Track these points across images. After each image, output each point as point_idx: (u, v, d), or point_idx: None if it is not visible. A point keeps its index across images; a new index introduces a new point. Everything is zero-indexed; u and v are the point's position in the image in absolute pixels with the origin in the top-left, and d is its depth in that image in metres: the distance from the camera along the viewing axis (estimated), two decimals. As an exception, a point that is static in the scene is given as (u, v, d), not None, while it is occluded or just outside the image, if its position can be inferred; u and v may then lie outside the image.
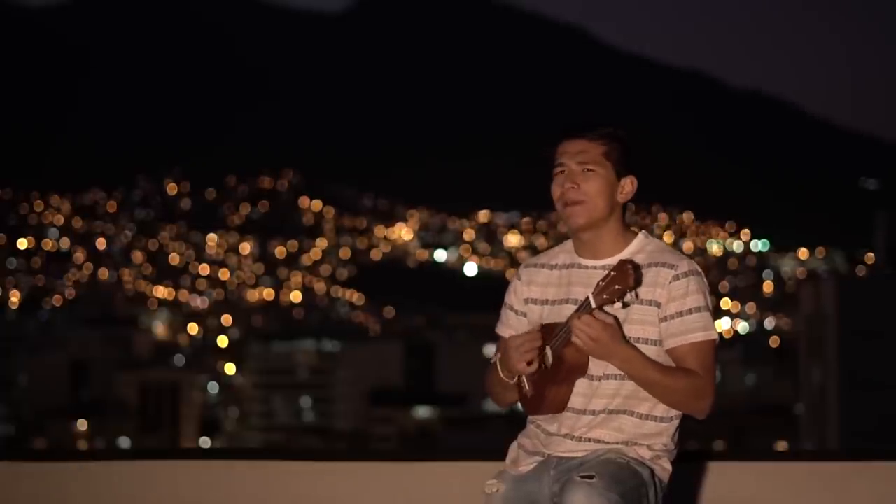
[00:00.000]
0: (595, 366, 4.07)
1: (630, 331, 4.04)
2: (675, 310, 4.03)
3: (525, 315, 4.22)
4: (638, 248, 4.12)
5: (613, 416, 4.07)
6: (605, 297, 3.94)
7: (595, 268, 4.12)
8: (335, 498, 5.43)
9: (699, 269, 4.09)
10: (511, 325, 4.25)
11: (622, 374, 4.06)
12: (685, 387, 4.00)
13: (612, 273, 3.93)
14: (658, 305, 4.04)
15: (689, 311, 4.03)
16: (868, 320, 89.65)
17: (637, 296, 4.00)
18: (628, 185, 4.10)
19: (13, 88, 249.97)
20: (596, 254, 4.13)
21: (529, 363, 4.05)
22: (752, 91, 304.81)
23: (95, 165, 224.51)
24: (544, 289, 4.19)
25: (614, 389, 4.07)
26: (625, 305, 3.99)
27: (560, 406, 4.11)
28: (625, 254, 4.11)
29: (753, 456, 5.48)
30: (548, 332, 4.10)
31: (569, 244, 4.20)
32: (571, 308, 4.09)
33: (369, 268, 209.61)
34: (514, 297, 4.25)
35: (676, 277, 4.04)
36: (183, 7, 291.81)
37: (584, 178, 4.07)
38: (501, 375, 4.15)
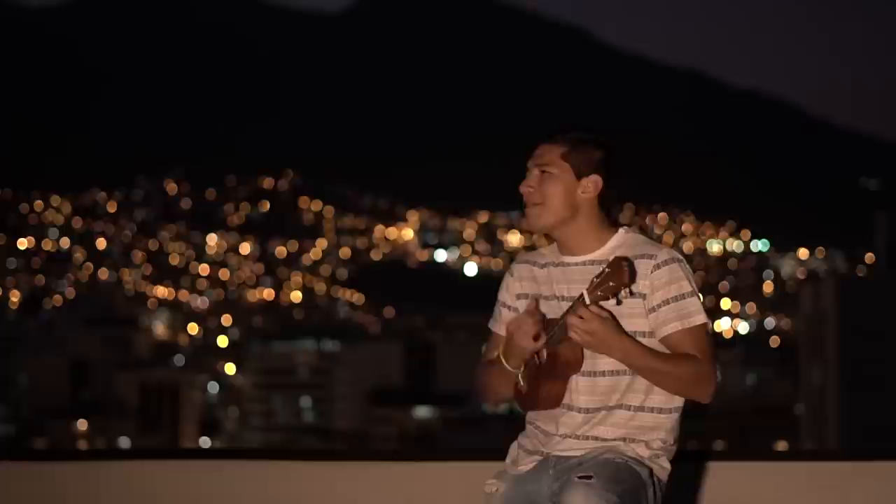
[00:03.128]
0: (590, 362, 4.10)
1: (622, 325, 4.07)
2: (662, 298, 4.07)
3: (517, 311, 4.26)
4: (618, 243, 4.17)
5: (611, 412, 4.10)
6: (599, 293, 3.96)
7: (576, 264, 4.18)
8: (335, 498, 5.44)
9: (680, 256, 4.13)
10: (505, 321, 4.28)
11: (616, 370, 4.09)
12: (688, 372, 4.03)
13: (607, 269, 3.96)
14: (643, 297, 4.08)
15: (676, 298, 4.07)
16: (868, 320, 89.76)
17: (631, 292, 4.02)
18: (590, 186, 4.15)
19: (13, 89, 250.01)
20: (574, 250, 4.19)
21: (536, 338, 4.08)
22: (752, 91, 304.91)
23: (95, 165, 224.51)
24: (534, 285, 4.24)
25: (609, 386, 4.09)
26: (619, 302, 4.01)
27: (554, 402, 4.13)
28: (604, 249, 4.16)
29: (753, 456, 5.49)
30: (543, 326, 4.13)
31: (555, 243, 4.27)
32: (557, 304, 4.15)
33: (369, 268, 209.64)
34: (506, 293, 4.31)
35: (657, 266, 4.08)
36: (182, 7, 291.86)
37: (540, 181, 4.18)
38: (506, 367, 4.16)
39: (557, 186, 4.15)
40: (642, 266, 4.08)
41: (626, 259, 3.98)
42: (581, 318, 3.96)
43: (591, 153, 4.16)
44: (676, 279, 4.07)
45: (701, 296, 4.14)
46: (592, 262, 4.13)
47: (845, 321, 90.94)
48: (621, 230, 4.19)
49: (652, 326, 4.07)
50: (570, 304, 4.08)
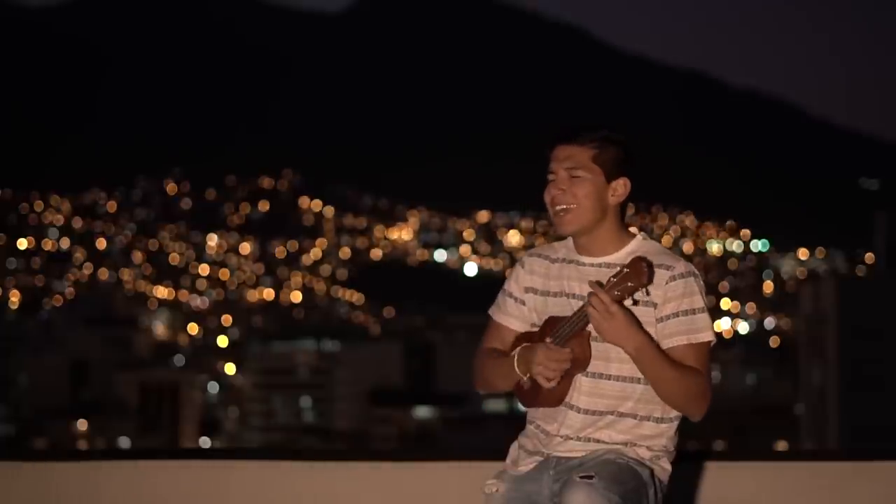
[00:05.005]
0: (601, 364, 4.09)
1: None
2: (672, 310, 4.05)
3: (524, 303, 4.24)
4: (634, 248, 4.15)
5: (620, 419, 4.09)
6: (616, 292, 3.94)
7: (592, 265, 4.15)
8: (335, 498, 5.43)
9: (695, 271, 4.11)
10: (509, 311, 4.27)
11: (625, 376, 4.07)
12: (691, 384, 4.02)
13: (626, 270, 3.94)
14: (654, 306, 4.06)
15: (686, 312, 4.05)
16: (868, 320, 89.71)
17: (648, 293, 4.01)
18: (620, 188, 4.12)
19: (13, 89, 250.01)
20: (592, 252, 4.16)
21: (550, 381, 4.06)
22: (752, 91, 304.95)
23: (95, 165, 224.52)
24: (544, 280, 4.22)
25: (617, 391, 4.08)
26: (635, 303, 4.00)
27: (556, 400, 4.11)
28: (621, 253, 4.14)
29: (753, 456, 5.48)
30: (553, 324, 4.11)
31: (569, 240, 4.23)
32: (566, 302, 4.12)
33: (369, 268, 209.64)
34: (514, 284, 4.27)
35: (673, 278, 4.06)
36: (182, 7, 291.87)
37: (572, 184, 4.11)
38: (516, 370, 4.14)
39: (589, 189, 4.10)
40: (658, 276, 4.06)
41: (645, 259, 3.96)
42: (603, 299, 3.94)
43: (618, 155, 4.13)
44: (690, 293, 4.05)
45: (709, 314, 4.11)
46: (608, 265, 4.11)
47: (845, 321, 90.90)
48: (639, 236, 4.17)
49: (658, 337, 4.05)
50: (580, 301, 4.07)
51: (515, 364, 4.14)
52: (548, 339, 4.08)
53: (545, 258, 4.24)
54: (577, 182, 4.10)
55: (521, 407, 4.26)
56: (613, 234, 4.14)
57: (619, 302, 3.96)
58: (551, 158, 4.16)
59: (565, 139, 4.15)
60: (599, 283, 3.98)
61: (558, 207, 4.12)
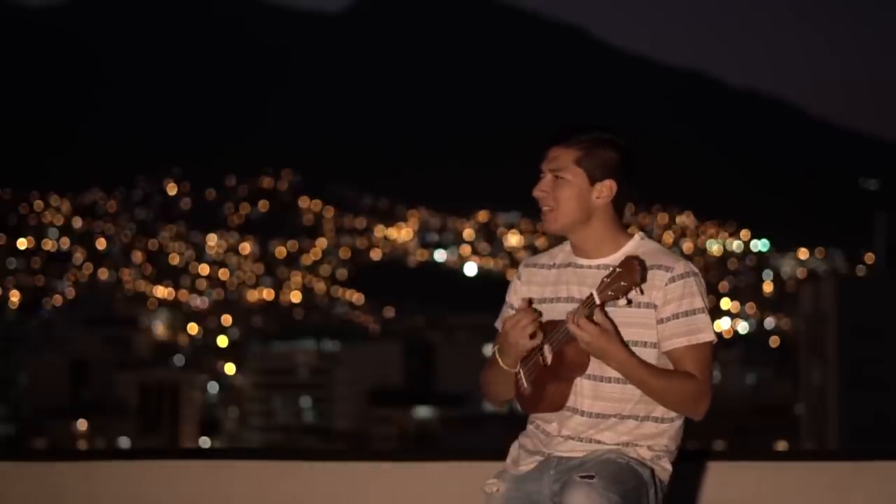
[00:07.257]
0: (597, 366, 4.08)
1: (628, 334, 4.04)
2: (672, 312, 4.05)
3: None
4: (633, 249, 4.15)
5: (622, 421, 4.09)
6: (609, 293, 3.93)
7: (590, 267, 4.15)
8: (335, 498, 5.44)
9: (696, 271, 4.11)
10: None
11: (624, 378, 4.07)
12: (683, 390, 4.02)
13: (618, 269, 3.93)
14: (654, 308, 4.06)
15: (686, 313, 4.05)
16: (868, 320, 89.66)
17: (642, 291, 3.99)
18: (605, 190, 4.12)
19: (13, 88, 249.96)
20: (589, 254, 4.17)
21: (533, 336, 4.06)
22: (752, 91, 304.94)
23: (95, 165, 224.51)
24: (542, 288, 4.22)
25: (619, 393, 4.08)
26: (629, 302, 3.98)
27: (558, 405, 4.11)
28: (619, 255, 4.13)
29: (753, 456, 5.49)
30: (548, 329, 4.10)
31: (567, 244, 4.25)
32: (567, 306, 4.12)
33: (369, 268, 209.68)
34: (514, 296, 4.29)
35: (672, 279, 4.06)
36: (182, 7, 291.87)
37: (554, 185, 4.14)
38: (502, 365, 4.16)
39: (570, 192, 4.11)
40: (658, 277, 4.06)
41: (637, 258, 3.95)
42: (581, 327, 3.94)
43: (606, 157, 4.12)
44: (689, 294, 4.06)
45: (709, 314, 4.11)
46: (607, 267, 4.11)
47: (845, 321, 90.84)
48: (637, 236, 4.17)
49: (658, 338, 4.06)
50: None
51: (500, 361, 4.16)
52: (545, 346, 4.08)
53: (542, 266, 4.26)
54: (560, 184, 4.13)
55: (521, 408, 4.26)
56: (607, 234, 4.14)
57: (611, 301, 3.96)
58: (543, 159, 4.19)
59: (556, 140, 4.17)
60: (590, 297, 3.97)
61: (542, 207, 4.16)
